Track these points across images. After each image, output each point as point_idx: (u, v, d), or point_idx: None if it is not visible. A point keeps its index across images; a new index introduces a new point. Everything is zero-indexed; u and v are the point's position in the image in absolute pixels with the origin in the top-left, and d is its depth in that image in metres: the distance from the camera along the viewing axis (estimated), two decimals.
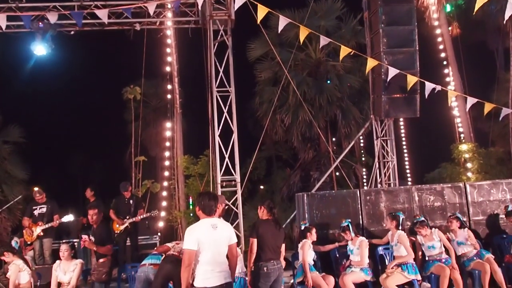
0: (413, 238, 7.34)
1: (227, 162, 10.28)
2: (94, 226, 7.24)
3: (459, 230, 7.38)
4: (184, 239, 4.62)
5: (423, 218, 7.40)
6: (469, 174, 13.96)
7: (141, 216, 9.42)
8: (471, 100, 9.72)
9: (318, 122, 14.31)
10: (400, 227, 7.12)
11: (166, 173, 16.64)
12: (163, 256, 6.41)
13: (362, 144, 19.05)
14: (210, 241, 4.58)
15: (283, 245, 5.91)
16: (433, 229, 7.29)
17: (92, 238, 7.05)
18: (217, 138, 10.38)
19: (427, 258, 7.21)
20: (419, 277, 6.86)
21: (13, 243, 9.39)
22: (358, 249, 7.09)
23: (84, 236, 7.07)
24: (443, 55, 15.66)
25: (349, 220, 7.45)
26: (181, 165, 15.92)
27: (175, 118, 16.21)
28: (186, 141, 16.89)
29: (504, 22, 11.53)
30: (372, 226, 8.06)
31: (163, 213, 15.06)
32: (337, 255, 7.63)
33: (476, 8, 6.74)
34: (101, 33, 11.68)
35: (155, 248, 7.92)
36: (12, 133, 14.34)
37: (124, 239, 9.49)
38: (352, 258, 7.16)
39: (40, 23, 10.23)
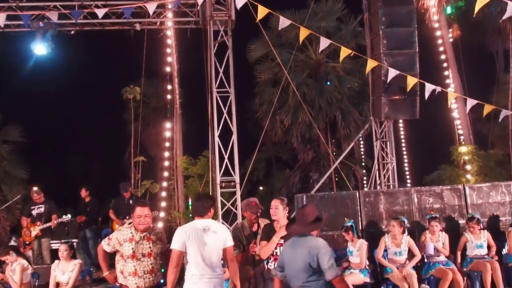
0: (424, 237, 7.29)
1: (226, 163, 10.26)
2: None
3: (480, 232, 7.35)
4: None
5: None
6: (469, 176, 13.93)
7: None
8: (470, 102, 9.71)
9: (318, 123, 14.30)
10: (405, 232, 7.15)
11: (166, 174, 16.60)
12: None
13: (361, 146, 19.04)
14: (198, 244, 4.37)
15: None
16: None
17: None
18: (217, 139, 10.36)
19: (426, 261, 7.21)
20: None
21: (12, 243, 9.40)
22: (358, 251, 7.11)
23: None
24: (443, 57, 15.61)
25: (353, 221, 7.49)
26: (181, 166, 15.89)
27: (174, 119, 16.15)
28: (186, 142, 16.85)
29: (500, 20, 11.53)
30: (371, 227, 8.05)
31: (162, 214, 15.01)
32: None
33: (476, 10, 6.75)
34: (101, 33, 11.68)
35: None
36: (12, 132, 14.31)
37: None
38: (352, 259, 7.17)
39: (41, 23, 10.22)
